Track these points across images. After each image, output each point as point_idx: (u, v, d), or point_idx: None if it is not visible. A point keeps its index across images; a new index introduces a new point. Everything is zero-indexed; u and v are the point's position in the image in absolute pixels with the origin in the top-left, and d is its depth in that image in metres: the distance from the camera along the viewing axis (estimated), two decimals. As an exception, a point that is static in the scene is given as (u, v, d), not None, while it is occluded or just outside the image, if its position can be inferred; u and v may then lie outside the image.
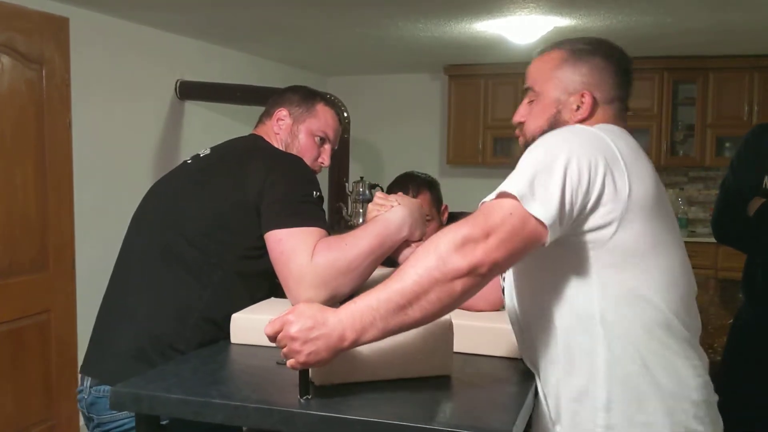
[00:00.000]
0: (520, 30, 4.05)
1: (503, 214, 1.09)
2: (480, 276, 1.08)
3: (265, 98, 3.96)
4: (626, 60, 1.36)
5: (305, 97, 1.79)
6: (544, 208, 1.09)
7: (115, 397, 1.21)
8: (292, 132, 1.74)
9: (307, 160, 1.71)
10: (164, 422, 1.34)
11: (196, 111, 4.47)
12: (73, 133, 3.43)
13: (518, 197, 1.09)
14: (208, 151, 1.73)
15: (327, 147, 1.79)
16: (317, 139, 1.76)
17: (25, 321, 3.17)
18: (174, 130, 4.33)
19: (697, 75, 5.18)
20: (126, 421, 1.47)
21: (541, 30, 4.02)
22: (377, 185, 3.67)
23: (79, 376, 1.60)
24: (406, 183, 2.25)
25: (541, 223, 1.09)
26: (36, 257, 3.23)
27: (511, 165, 1.44)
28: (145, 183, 2.16)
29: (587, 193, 1.13)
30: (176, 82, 4.31)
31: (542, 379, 1.27)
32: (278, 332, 1.11)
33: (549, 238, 1.11)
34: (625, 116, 1.35)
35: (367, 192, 3.73)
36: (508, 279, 1.34)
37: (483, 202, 1.15)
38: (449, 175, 5.88)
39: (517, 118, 1.37)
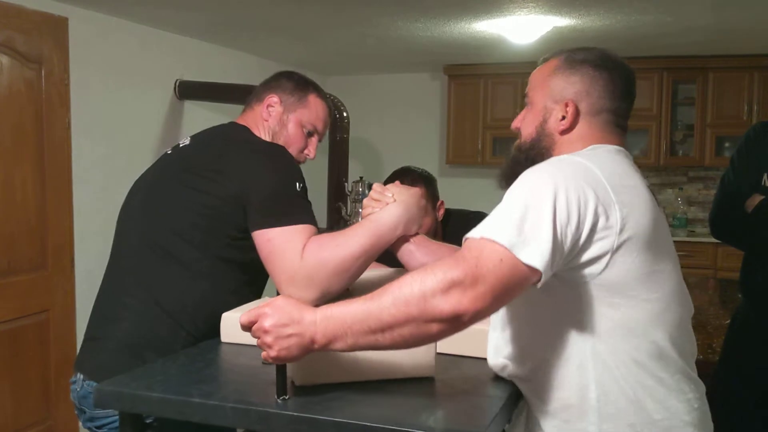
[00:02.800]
0: (520, 30, 4.05)
1: (494, 260, 1.04)
2: (461, 323, 1.05)
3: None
4: (623, 71, 1.32)
5: (298, 85, 1.75)
6: (536, 254, 1.05)
7: (99, 395, 1.22)
8: (281, 121, 1.71)
9: (293, 151, 1.69)
10: (149, 420, 1.34)
11: (195, 111, 4.47)
12: (72, 132, 3.43)
13: (508, 247, 1.04)
14: (187, 141, 1.71)
15: (314, 139, 1.76)
16: (306, 130, 1.73)
17: (23, 320, 3.17)
18: (173, 130, 4.32)
19: (697, 74, 5.18)
20: (117, 417, 1.47)
21: (540, 30, 4.02)
22: (376, 185, 3.67)
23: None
24: (402, 177, 2.26)
25: (534, 269, 1.05)
26: (35, 257, 3.23)
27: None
28: (144, 182, 2.17)
29: (577, 229, 1.09)
30: (175, 82, 4.31)
31: (534, 410, 1.24)
32: (253, 323, 1.12)
33: (542, 282, 1.08)
34: (616, 129, 1.31)
35: (366, 192, 3.73)
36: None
37: (467, 238, 1.10)
38: (448, 174, 5.88)
39: (515, 123, 1.39)
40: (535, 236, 1.06)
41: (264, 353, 1.11)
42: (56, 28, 3.34)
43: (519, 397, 1.28)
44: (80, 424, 1.58)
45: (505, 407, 1.19)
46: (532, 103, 1.35)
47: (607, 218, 1.11)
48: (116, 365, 1.42)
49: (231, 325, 1.47)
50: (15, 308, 3.13)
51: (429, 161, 5.95)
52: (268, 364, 1.14)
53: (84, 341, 1.62)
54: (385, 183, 2.29)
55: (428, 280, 1.04)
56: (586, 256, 1.11)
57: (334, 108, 4.20)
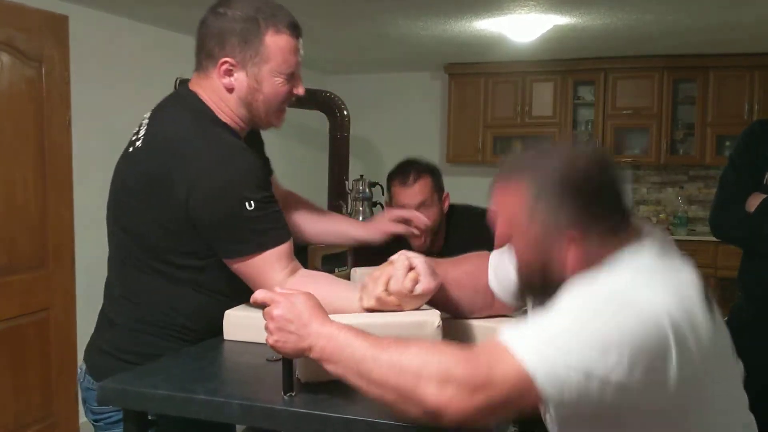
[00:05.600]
0: (521, 28, 4.05)
1: (506, 376, 0.96)
2: (438, 420, 0.97)
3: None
4: (597, 168, 1.10)
5: (244, 32, 1.42)
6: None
7: (102, 392, 1.22)
8: (250, 87, 1.45)
9: (279, 105, 1.49)
10: (152, 417, 1.35)
11: (195, 109, 4.47)
12: (73, 131, 3.43)
13: (533, 378, 0.95)
14: (140, 144, 1.48)
15: (295, 76, 1.49)
16: (283, 77, 1.46)
17: (24, 319, 3.18)
18: (174, 128, 4.32)
19: (697, 73, 5.18)
20: (115, 413, 1.47)
21: (541, 28, 4.02)
22: (377, 183, 3.67)
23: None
24: (408, 168, 2.28)
25: None
26: (35, 255, 3.23)
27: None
28: (145, 181, 2.20)
29: (623, 391, 0.97)
30: (176, 80, 4.30)
31: None
32: (266, 304, 1.13)
33: None
34: (625, 217, 1.12)
35: (366, 190, 3.73)
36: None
37: (501, 338, 1.00)
38: (449, 173, 5.84)
39: (498, 243, 1.19)
40: (566, 374, 0.96)
41: (266, 335, 1.13)
42: (57, 26, 3.33)
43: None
44: (80, 422, 1.58)
45: None
46: (515, 234, 1.14)
47: (661, 383, 0.99)
48: (110, 366, 1.43)
49: (234, 323, 1.47)
50: (16, 307, 3.13)
51: (429, 160, 5.95)
52: (273, 362, 1.15)
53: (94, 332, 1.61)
54: (391, 174, 2.29)
55: (432, 363, 0.98)
56: (633, 407, 1.02)
57: (334, 106, 4.20)
